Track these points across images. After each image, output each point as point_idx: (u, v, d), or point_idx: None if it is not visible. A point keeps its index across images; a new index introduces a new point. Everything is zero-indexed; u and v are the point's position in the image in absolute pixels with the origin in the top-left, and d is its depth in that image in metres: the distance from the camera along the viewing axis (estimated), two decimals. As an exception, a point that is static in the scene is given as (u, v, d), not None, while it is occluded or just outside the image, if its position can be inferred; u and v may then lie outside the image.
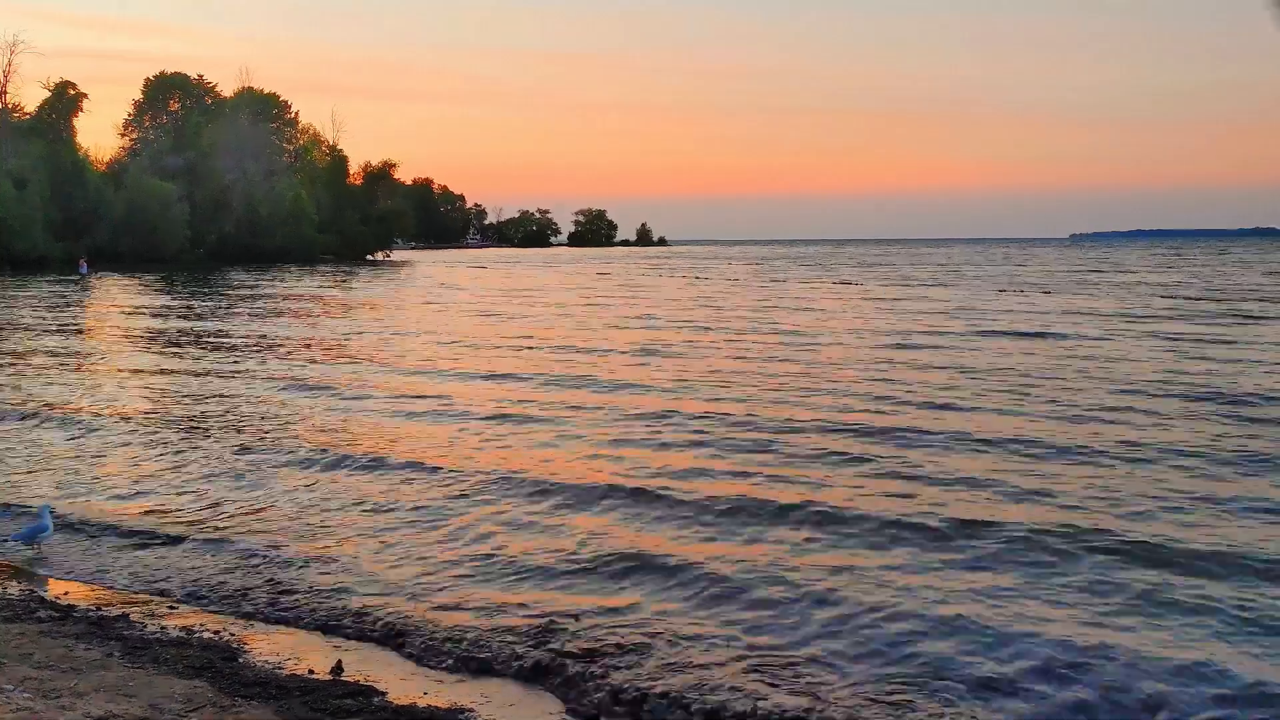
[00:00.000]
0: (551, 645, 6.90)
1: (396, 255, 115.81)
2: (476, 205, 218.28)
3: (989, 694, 6.11)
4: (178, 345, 26.25)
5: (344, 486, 11.21)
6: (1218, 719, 5.81)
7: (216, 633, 7.30)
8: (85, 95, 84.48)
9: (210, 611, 7.78)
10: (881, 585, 7.81)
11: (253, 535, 9.52)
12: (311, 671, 6.61)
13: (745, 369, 20.03)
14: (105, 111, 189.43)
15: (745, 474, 11.26)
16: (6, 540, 9.42)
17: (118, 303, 43.56)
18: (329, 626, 7.43)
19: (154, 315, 36.24)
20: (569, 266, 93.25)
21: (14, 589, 8.32)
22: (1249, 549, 8.47)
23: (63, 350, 24.89)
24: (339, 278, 65.95)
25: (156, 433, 14.29)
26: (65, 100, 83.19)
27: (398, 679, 6.54)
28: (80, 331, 30.69)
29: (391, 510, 10.23)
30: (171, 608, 7.89)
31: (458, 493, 10.78)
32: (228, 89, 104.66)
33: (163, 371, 21.06)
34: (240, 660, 6.76)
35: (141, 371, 21.12)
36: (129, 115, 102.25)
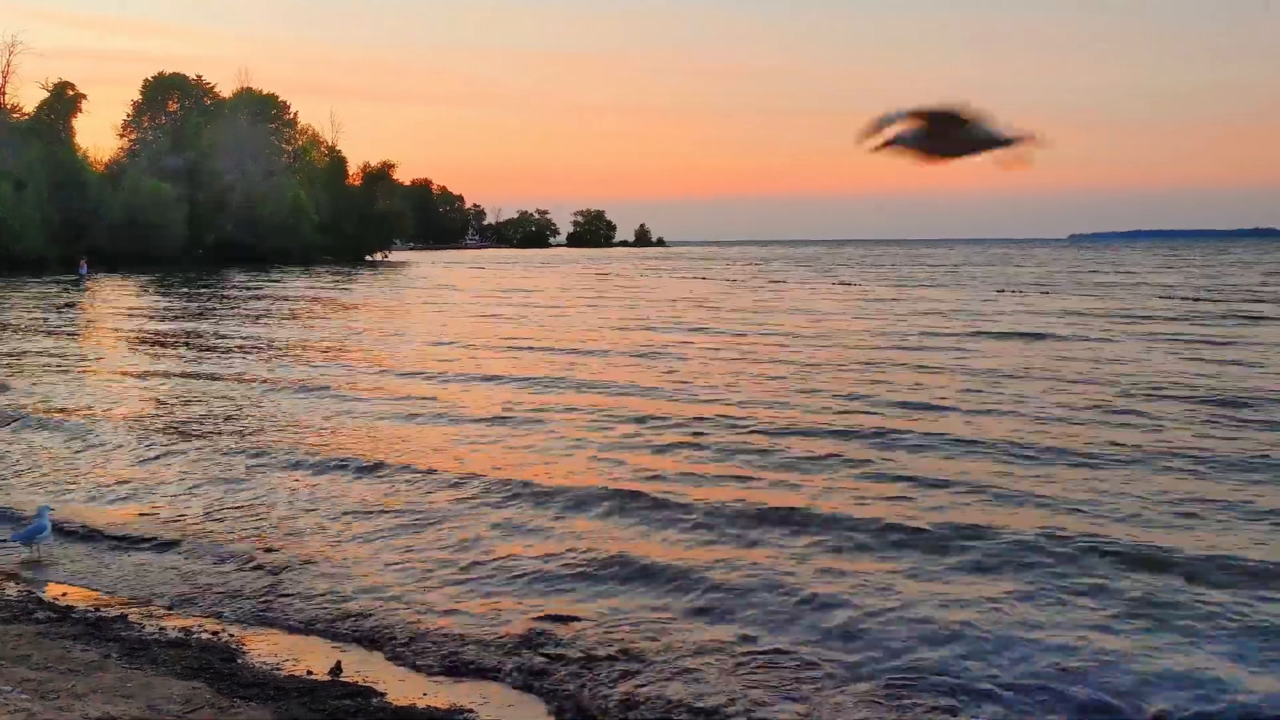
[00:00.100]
0: (547, 649, 6.89)
1: (395, 256, 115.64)
2: (475, 206, 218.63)
3: (988, 701, 6.10)
4: (175, 347, 26.24)
5: (341, 489, 11.21)
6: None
7: (214, 634, 7.29)
8: (84, 96, 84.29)
9: (207, 613, 7.77)
10: (880, 590, 7.80)
11: (250, 537, 9.51)
12: (310, 672, 6.60)
13: (744, 371, 20.01)
14: (104, 112, 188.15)
15: (743, 478, 11.25)
16: (4, 542, 9.42)
17: (116, 304, 43.54)
18: (326, 629, 7.42)
19: (152, 317, 36.22)
20: (567, 267, 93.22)
21: (12, 590, 8.31)
22: (1250, 554, 8.45)
23: (60, 352, 24.88)
24: (337, 278, 65.91)
25: (154, 435, 14.28)
26: (64, 101, 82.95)
27: (396, 680, 6.53)
28: (78, 333, 30.68)
29: (389, 513, 10.22)
30: (168, 609, 7.88)
31: (455, 496, 10.77)
32: (227, 89, 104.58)
33: (161, 374, 21.03)
34: (238, 661, 6.75)
35: (139, 374, 21.10)
36: (128, 116, 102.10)
